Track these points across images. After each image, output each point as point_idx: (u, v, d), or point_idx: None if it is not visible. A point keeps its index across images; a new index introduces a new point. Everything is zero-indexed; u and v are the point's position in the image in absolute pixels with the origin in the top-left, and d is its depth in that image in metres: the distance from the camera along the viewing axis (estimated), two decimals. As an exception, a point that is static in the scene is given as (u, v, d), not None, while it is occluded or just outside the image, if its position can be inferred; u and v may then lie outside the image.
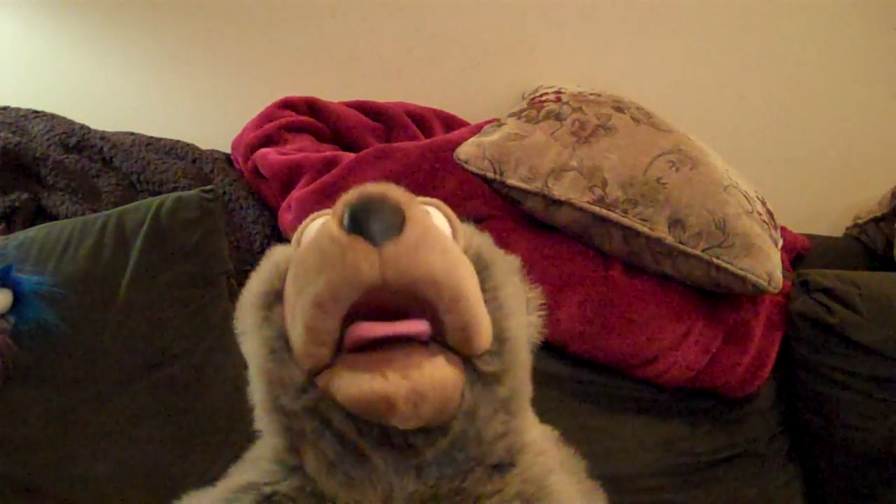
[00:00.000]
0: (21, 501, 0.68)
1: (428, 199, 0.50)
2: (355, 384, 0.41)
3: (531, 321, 0.54)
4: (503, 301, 0.48)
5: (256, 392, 0.48)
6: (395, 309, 0.42)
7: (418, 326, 0.42)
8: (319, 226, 0.46)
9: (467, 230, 0.52)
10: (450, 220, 0.49)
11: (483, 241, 0.52)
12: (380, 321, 0.41)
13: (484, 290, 0.47)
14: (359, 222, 0.39)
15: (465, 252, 0.49)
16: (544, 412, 0.57)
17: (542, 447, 0.52)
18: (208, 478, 0.72)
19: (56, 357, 0.72)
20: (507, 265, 0.53)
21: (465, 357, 0.45)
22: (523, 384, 0.50)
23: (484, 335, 0.45)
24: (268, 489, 0.48)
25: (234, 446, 0.76)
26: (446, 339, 0.43)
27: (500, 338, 0.47)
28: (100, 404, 0.73)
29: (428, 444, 0.45)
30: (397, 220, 0.39)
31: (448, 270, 0.42)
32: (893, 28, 1.20)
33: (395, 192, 0.41)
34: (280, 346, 0.45)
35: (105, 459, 0.71)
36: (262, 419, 0.49)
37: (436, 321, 0.43)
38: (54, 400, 0.71)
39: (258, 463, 0.50)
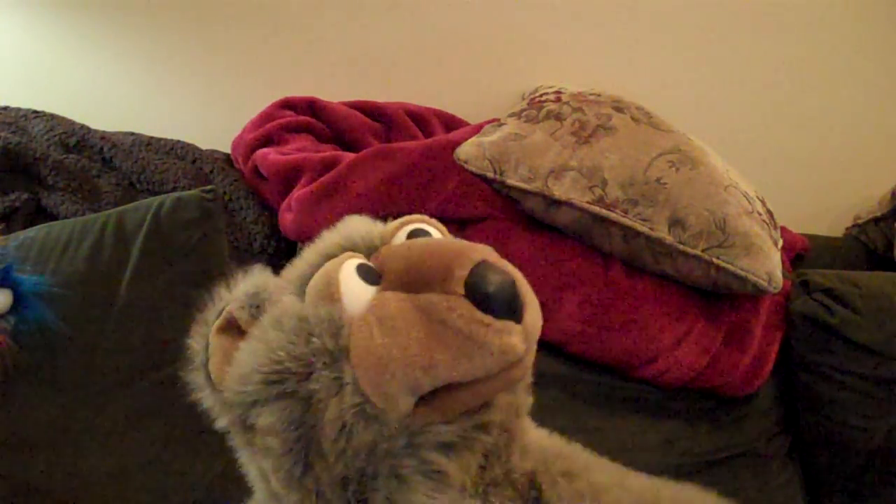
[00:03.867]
0: (21, 501, 0.68)
1: (421, 217, 0.51)
2: (502, 374, 0.43)
3: None
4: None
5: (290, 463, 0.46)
6: None
7: None
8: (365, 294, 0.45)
9: None
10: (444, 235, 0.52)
11: None
12: None
13: None
14: (500, 304, 0.41)
15: None
16: (544, 412, 0.57)
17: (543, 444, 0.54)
18: (208, 477, 0.73)
19: (56, 357, 0.72)
20: None
21: None
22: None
23: None
24: None
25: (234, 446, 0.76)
26: None
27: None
28: (100, 404, 0.73)
29: (496, 420, 0.47)
30: (521, 291, 0.43)
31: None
32: (893, 28, 1.20)
33: (489, 254, 0.43)
34: (364, 403, 0.43)
35: (105, 459, 0.71)
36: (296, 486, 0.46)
37: None
38: (54, 400, 0.71)
39: None
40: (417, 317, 0.42)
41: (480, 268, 0.41)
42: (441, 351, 0.41)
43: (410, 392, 0.43)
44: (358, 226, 0.52)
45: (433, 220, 0.52)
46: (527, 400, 0.51)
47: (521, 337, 0.41)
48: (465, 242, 0.45)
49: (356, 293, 0.45)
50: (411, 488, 0.45)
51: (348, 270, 0.46)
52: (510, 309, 0.41)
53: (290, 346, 0.44)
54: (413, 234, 0.49)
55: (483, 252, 0.43)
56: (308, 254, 0.50)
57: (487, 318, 0.40)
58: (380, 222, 0.54)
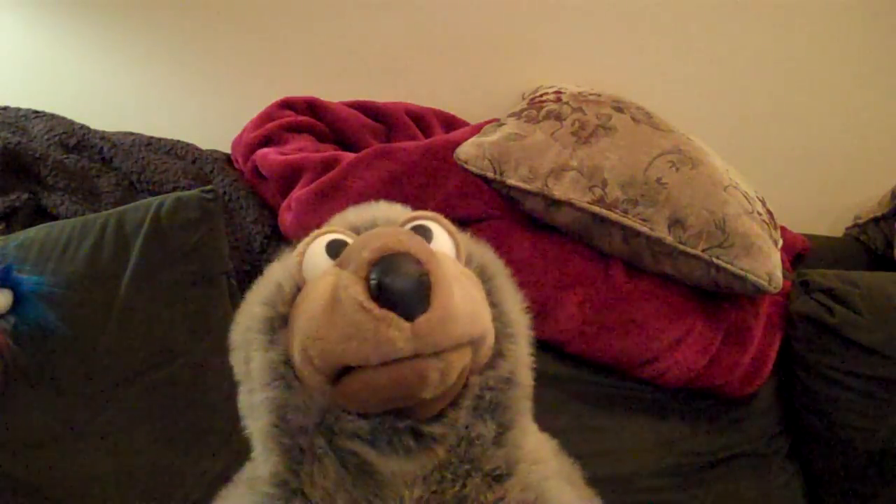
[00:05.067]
0: (21, 501, 0.68)
1: (427, 214, 0.50)
2: (385, 368, 0.41)
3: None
4: (508, 317, 0.49)
5: (255, 413, 0.48)
6: None
7: None
8: (328, 270, 0.45)
9: (466, 239, 0.52)
10: (452, 235, 0.50)
11: (484, 251, 0.53)
12: None
13: (490, 304, 0.48)
14: (390, 295, 0.39)
15: (469, 264, 0.50)
16: (544, 412, 0.57)
17: (538, 456, 0.52)
18: (208, 478, 0.73)
19: (56, 357, 0.72)
20: (505, 272, 0.54)
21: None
22: (520, 398, 0.50)
23: (486, 349, 0.47)
24: None
25: (234, 446, 0.76)
26: None
27: (501, 354, 0.48)
28: (100, 404, 0.73)
29: (441, 437, 0.45)
30: (426, 290, 0.40)
31: (472, 327, 0.43)
32: (893, 28, 1.20)
33: (418, 249, 0.41)
34: (285, 369, 0.46)
35: (105, 459, 0.71)
36: (261, 440, 0.48)
37: None
38: (54, 400, 0.71)
39: (256, 485, 0.49)
40: (327, 290, 0.42)
41: (389, 256, 0.40)
42: (329, 326, 0.41)
43: (309, 362, 0.43)
44: (367, 212, 0.53)
45: (442, 218, 0.50)
46: (491, 436, 0.48)
47: (403, 335, 0.39)
48: (412, 235, 0.44)
49: (315, 264, 0.47)
50: (324, 470, 0.46)
51: (319, 244, 0.48)
52: (401, 303, 0.39)
53: (260, 308, 0.48)
54: (416, 229, 0.49)
55: (410, 245, 0.41)
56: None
57: (370, 304, 0.39)
58: (406, 209, 0.55)
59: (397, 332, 0.39)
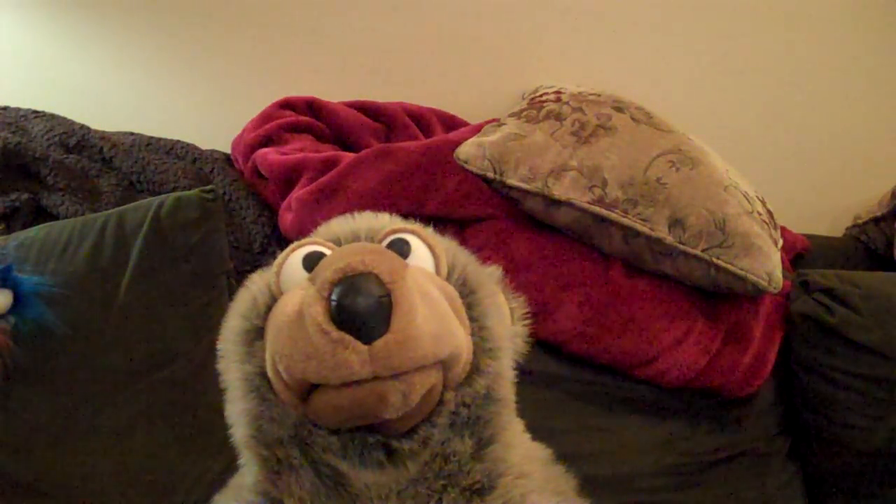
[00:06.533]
0: (21, 501, 0.68)
1: (408, 227, 0.50)
2: (346, 389, 0.41)
3: (516, 331, 0.54)
4: (489, 332, 0.49)
5: (236, 423, 0.49)
6: None
7: None
8: (301, 286, 0.45)
9: (450, 249, 0.52)
10: (432, 249, 0.49)
11: (468, 261, 0.52)
12: None
13: (470, 318, 0.48)
14: (349, 317, 0.40)
15: (450, 277, 0.49)
16: (544, 412, 0.57)
17: (523, 470, 0.52)
18: (208, 478, 0.73)
19: (56, 357, 0.72)
20: (490, 285, 0.53)
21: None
22: (501, 412, 0.50)
23: (462, 365, 0.46)
24: None
25: (234, 447, 0.76)
26: None
27: (478, 370, 0.47)
28: (100, 404, 0.73)
29: (412, 453, 0.45)
30: (386, 313, 0.40)
31: (436, 349, 0.43)
32: (893, 28, 1.20)
33: (383, 269, 0.41)
34: (261, 382, 0.46)
35: (105, 459, 0.71)
36: (243, 449, 0.49)
37: None
38: (54, 400, 0.71)
39: (240, 493, 0.50)
40: (296, 306, 0.43)
41: (351, 277, 0.41)
42: (293, 344, 0.42)
43: (279, 377, 0.44)
44: (349, 223, 0.53)
45: (422, 230, 0.50)
46: (469, 451, 0.48)
47: (360, 357, 0.40)
48: (381, 253, 0.44)
49: (291, 276, 0.48)
50: (300, 480, 0.46)
51: (297, 256, 0.49)
52: (359, 325, 0.40)
53: (237, 320, 0.49)
54: (394, 243, 0.49)
55: (374, 264, 0.41)
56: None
57: (329, 326, 0.40)
58: (394, 219, 0.54)
59: (354, 356, 0.40)
